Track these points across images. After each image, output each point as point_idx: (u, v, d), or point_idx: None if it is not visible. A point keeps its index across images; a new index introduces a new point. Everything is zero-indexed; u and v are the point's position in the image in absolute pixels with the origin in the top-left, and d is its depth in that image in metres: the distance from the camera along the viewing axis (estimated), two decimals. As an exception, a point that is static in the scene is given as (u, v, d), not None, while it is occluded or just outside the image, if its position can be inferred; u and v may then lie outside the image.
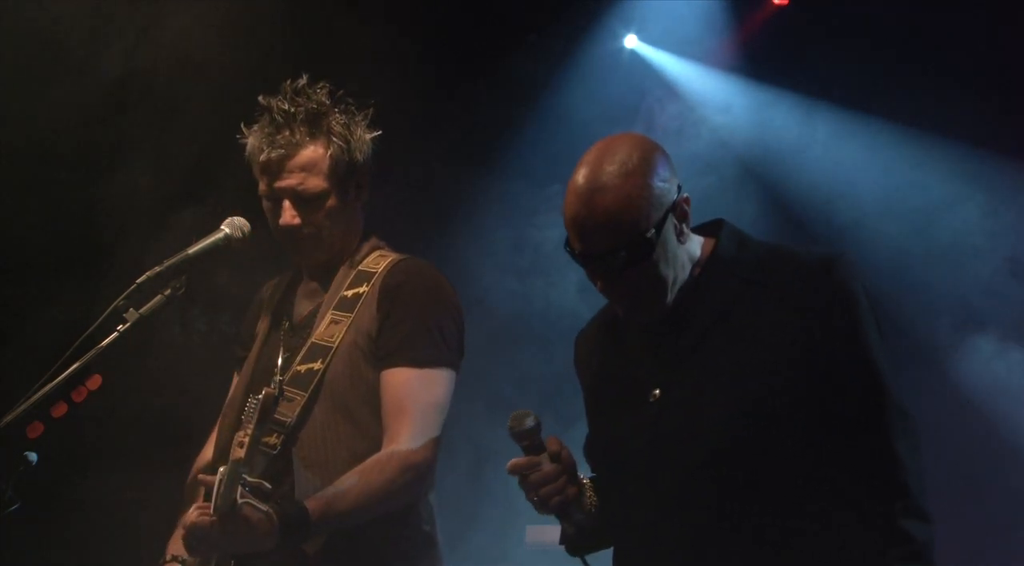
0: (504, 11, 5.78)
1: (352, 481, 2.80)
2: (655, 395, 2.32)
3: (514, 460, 2.32)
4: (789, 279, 2.28)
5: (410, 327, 2.96)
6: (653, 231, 2.22)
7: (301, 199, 3.02)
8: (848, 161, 5.76)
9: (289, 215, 3.03)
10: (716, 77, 6.04)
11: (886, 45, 5.46)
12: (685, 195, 2.31)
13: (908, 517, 2.16)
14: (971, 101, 5.38)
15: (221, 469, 2.66)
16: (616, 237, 2.21)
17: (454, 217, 5.83)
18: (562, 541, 2.48)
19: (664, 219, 2.24)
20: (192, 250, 2.93)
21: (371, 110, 3.14)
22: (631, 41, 6.16)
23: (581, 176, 2.26)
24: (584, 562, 2.43)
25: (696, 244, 2.37)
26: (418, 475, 2.88)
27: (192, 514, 2.68)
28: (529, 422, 2.30)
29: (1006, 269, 5.49)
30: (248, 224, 3.04)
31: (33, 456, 2.73)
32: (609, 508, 2.40)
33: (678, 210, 2.28)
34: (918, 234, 5.58)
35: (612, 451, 2.40)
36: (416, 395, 2.93)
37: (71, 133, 4.76)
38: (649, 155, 2.27)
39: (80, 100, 4.69)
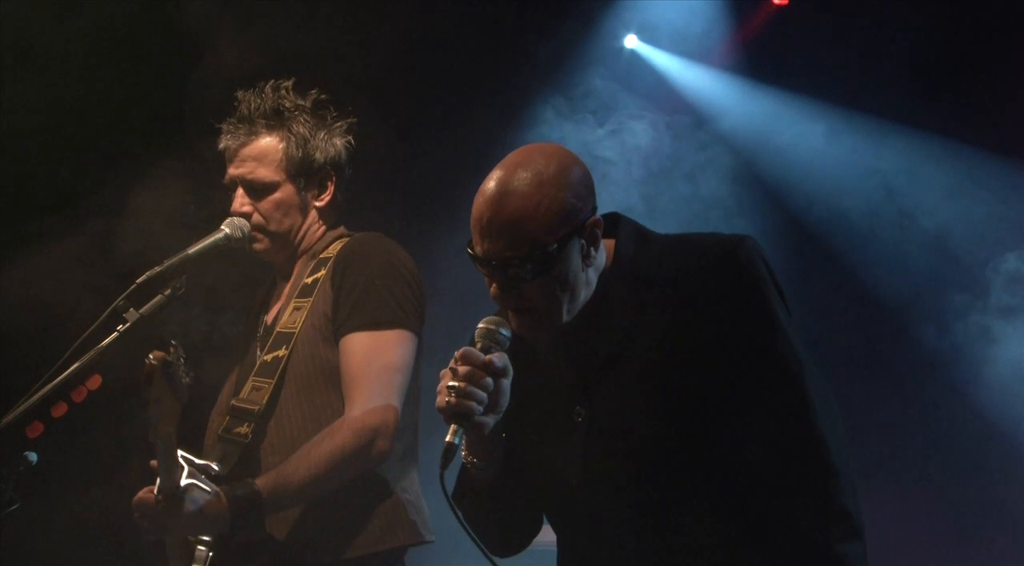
0: (504, 11, 5.77)
1: (302, 453, 2.78)
2: (580, 414, 2.22)
3: (469, 348, 2.14)
4: (692, 270, 2.20)
5: (360, 293, 2.95)
6: (556, 246, 2.12)
7: (251, 187, 3.07)
8: (849, 160, 5.75)
9: (239, 202, 3.07)
10: (716, 77, 6.03)
11: (886, 45, 5.46)
12: (597, 217, 2.20)
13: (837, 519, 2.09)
14: (970, 101, 5.38)
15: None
16: (517, 244, 2.11)
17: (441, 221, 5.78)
18: (447, 451, 2.13)
19: (570, 236, 2.14)
20: (192, 250, 2.96)
21: (352, 121, 3.18)
22: (631, 41, 6.15)
23: (494, 178, 2.16)
24: (442, 481, 2.16)
25: (603, 255, 2.25)
26: (373, 437, 2.81)
27: (140, 494, 2.68)
28: (503, 332, 2.18)
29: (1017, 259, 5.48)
30: (248, 224, 3.06)
31: (33, 456, 2.74)
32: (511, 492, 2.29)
33: (587, 231, 2.17)
34: (920, 231, 5.58)
35: (537, 469, 2.29)
36: (370, 358, 2.89)
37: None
38: (567, 169, 2.16)
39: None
